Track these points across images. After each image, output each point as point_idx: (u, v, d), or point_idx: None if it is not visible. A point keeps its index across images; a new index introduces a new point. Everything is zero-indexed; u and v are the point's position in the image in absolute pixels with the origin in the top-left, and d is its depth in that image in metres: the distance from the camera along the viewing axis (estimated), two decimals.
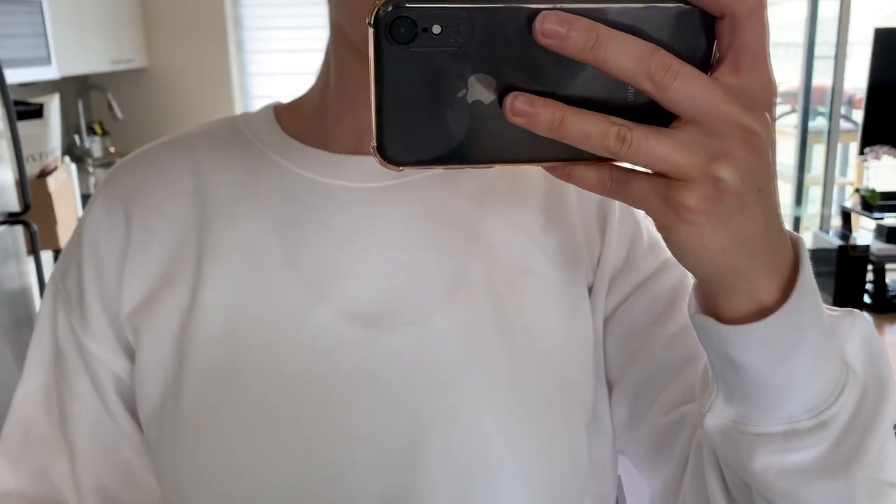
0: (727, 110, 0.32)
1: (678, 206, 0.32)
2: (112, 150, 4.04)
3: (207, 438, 0.50)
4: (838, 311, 0.42)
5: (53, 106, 2.30)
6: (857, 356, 0.41)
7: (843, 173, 4.95)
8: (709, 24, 0.32)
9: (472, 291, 0.51)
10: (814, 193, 4.84)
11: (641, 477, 0.54)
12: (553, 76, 0.31)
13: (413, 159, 0.33)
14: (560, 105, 0.31)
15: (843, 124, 4.68)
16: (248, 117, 0.59)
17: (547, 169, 0.34)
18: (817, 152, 4.80)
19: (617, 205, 0.55)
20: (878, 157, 3.96)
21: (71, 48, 3.13)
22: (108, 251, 0.55)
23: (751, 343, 0.37)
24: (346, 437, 0.48)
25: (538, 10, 0.30)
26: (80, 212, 2.68)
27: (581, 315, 0.53)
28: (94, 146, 3.88)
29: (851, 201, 4.24)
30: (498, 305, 0.50)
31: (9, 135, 1.84)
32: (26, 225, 1.89)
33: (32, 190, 1.99)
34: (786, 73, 4.77)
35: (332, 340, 0.49)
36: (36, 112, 2.24)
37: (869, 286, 4.13)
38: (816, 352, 0.38)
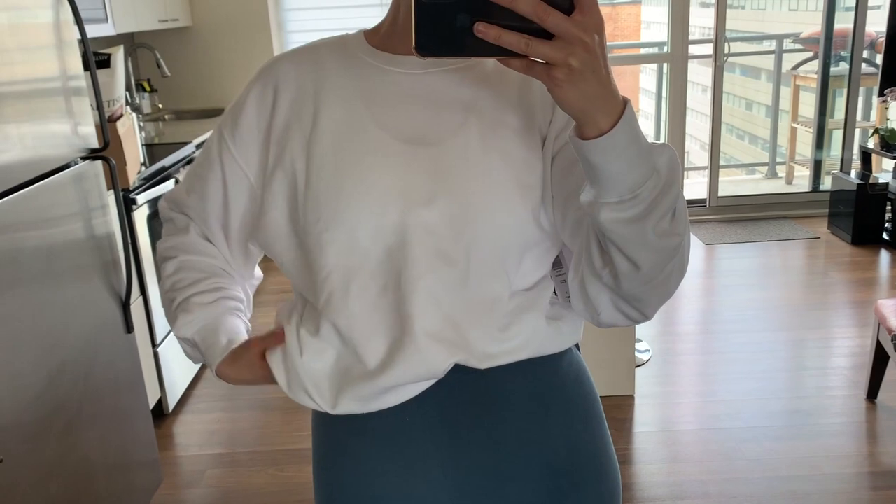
0: (574, 32, 0.61)
1: (553, 77, 0.63)
2: (160, 105, 4.26)
3: (325, 192, 0.87)
4: (657, 143, 0.72)
5: (119, 57, 2.51)
6: (663, 166, 0.71)
7: (867, 117, 5.03)
8: None
9: (469, 128, 0.87)
10: (837, 138, 4.93)
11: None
12: (498, 15, 0.62)
13: (431, 54, 0.64)
14: (500, 28, 0.62)
15: (867, 69, 4.75)
16: (348, 36, 0.97)
17: (498, 60, 0.65)
18: (840, 98, 4.88)
19: None
20: None
21: (124, 8, 3.33)
22: (261, 106, 0.94)
23: (594, 150, 0.67)
24: (403, 197, 0.86)
25: None
26: (142, 156, 2.91)
27: (534, 150, 0.88)
28: (144, 102, 4.10)
29: (872, 142, 4.33)
30: (485, 137, 0.87)
31: (89, 80, 2.06)
32: (106, 160, 2.11)
33: None
34: (809, 23, 4.82)
35: (391, 148, 0.87)
36: (105, 62, 2.45)
37: (888, 224, 4.25)
38: (633, 158, 0.68)
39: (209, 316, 0.98)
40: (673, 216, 0.72)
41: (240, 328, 0.99)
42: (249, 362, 0.94)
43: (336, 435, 0.96)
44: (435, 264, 0.85)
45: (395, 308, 0.87)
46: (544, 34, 0.62)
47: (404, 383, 0.88)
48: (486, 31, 0.62)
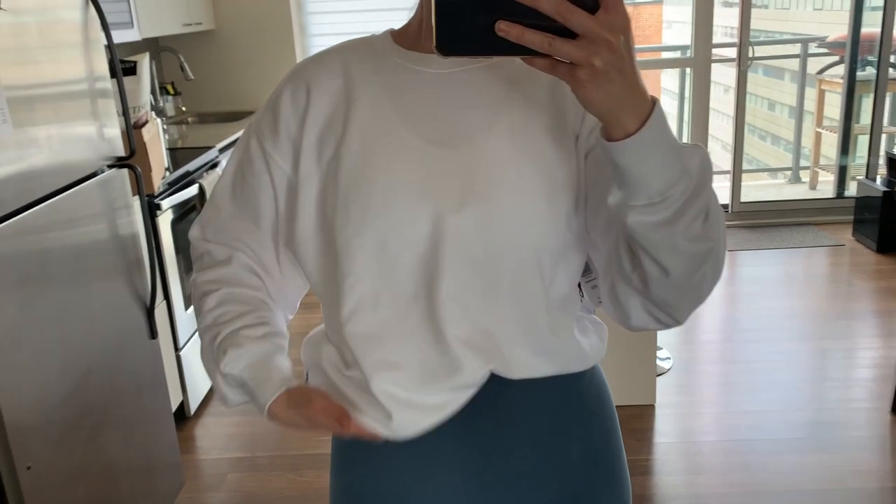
0: (599, 31, 0.60)
1: (576, 77, 0.62)
2: (184, 108, 4.29)
3: (354, 197, 0.86)
4: (688, 144, 0.70)
5: (144, 64, 2.53)
6: (694, 168, 0.69)
7: (893, 122, 4.96)
8: None
9: (499, 129, 0.86)
10: (862, 143, 4.87)
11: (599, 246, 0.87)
12: (521, 13, 0.60)
13: (453, 53, 0.63)
14: (522, 27, 0.61)
15: (893, 73, 4.69)
16: (374, 36, 0.95)
17: (523, 60, 0.64)
18: (866, 103, 4.82)
19: None
20: None
21: (149, 13, 3.36)
22: (295, 109, 0.92)
23: (621, 151, 0.66)
24: (433, 204, 0.84)
25: None
26: (166, 162, 2.93)
27: (566, 150, 0.86)
28: (168, 105, 4.13)
29: None
30: (515, 138, 0.85)
31: (116, 88, 2.08)
32: (132, 168, 2.13)
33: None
34: (839, 28, 4.75)
35: (420, 151, 0.86)
36: (131, 70, 2.47)
37: None
38: (662, 160, 0.67)
39: (260, 351, 0.91)
40: (705, 220, 0.71)
41: (288, 368, 0.93)
42: (307, 415, 0.88)
43: (357, 441, 0.95)
44: (466, 271, 0.84)
45: (426, 316, 0.86)
46: (568, 33, 0.61)
47: (444, 391, 0.88)
48: (507, 29, 0.61)
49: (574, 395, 0.95)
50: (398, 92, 0.89)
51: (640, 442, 2.63)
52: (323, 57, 0.95)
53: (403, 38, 0.93)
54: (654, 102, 0.66)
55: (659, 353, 3.18)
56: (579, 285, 0.93)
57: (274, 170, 0.93)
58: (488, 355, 0.87)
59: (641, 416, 2.76)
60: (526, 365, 0.89)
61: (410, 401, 0.88)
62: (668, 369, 3.10)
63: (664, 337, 3.38)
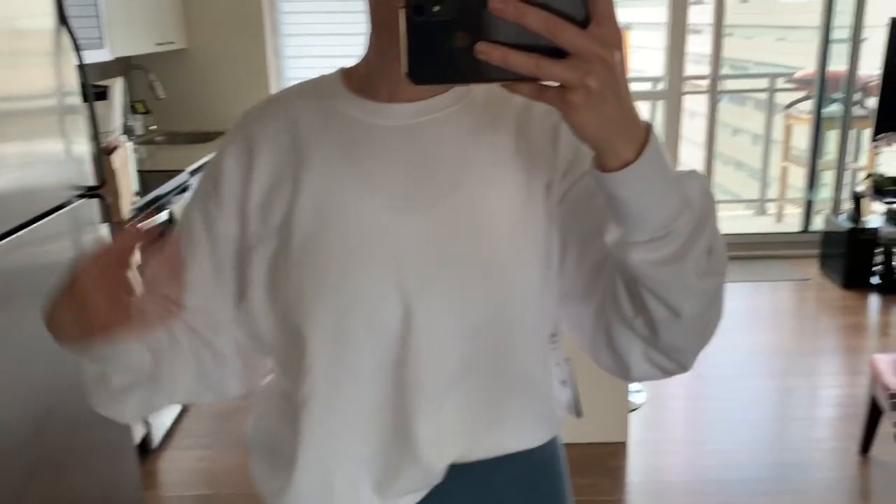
0: (592, 48, 0.54)
1: (568, 101, 0.55)
2: (154, 127, 4.21)
3: (309, 270, 0.78)
4: (685, 170, 0.65)
5: (117, 88, 2.48)
6: (695, 196, 0.63)
7: (857, 159, 5.06)
8: (582, 1, 0.54)
9: (464, 190, 0.78)
10: (827, 178, 4.96)
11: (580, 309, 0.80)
12: (503, 32, 0.54)
13: (426, 81, 0.56)
14: (505, 48, 0.54)
15: (858, 111, 4.79)
16: (324, 79, 0.86)
17: (502, 86, 0.56)
18: (831, 138, 4.91)
19: (564, 125, 0.82)
20: (889, 144, 4.08)
21: (120, 32, 3.29)
22: (238, 169, 0.83)
23: (619, 182, 0.60)
24: (398, 282, 0.76)
25: None
26: (135, 186, 2.86)
27: (535, 207, 0.78)
28: (137, 124, 4.05)
29: (863, 186, 4.36)
30: (482, 199, 0.77)
31: (87, 113, 2.01)
32: (101, 198, 2.06)
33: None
34: (802, 58, 4.84)
35: (380, 219, 0.77)
36: (101, 94, 2.42)
37: (877, 268, 4.27)
38: (662, 191, 0.61)
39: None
40: (710, 253, 0.65)
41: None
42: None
43: None
44: (437, 353, 0.77)
45: (390, 406, 0.80)
46: (556, 52, 0.54)
47: (399, 493, 0.83)
48: (489, 51, 0.53)
49: (530, 470, 0.89)
50: (352, 150, 0.80)
51: (613, 481, 2.61)
52: (268, 108, 0.86)
53: (354, 81, 0.83)
54: (648, 127, 0.60)
55: (631, 387, 3.17)
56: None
57: (222, 239, 0.84)
58: (453, 448, 0.82)
59: (615, 454, 2.75)
60: (487, 448, 0.83)
61: (357, 499, 0.83)
62: (642, 404, 3.09)
63: None
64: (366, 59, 0.82)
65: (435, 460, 0.81)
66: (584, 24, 0.54)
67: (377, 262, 0.76)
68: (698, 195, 0.64)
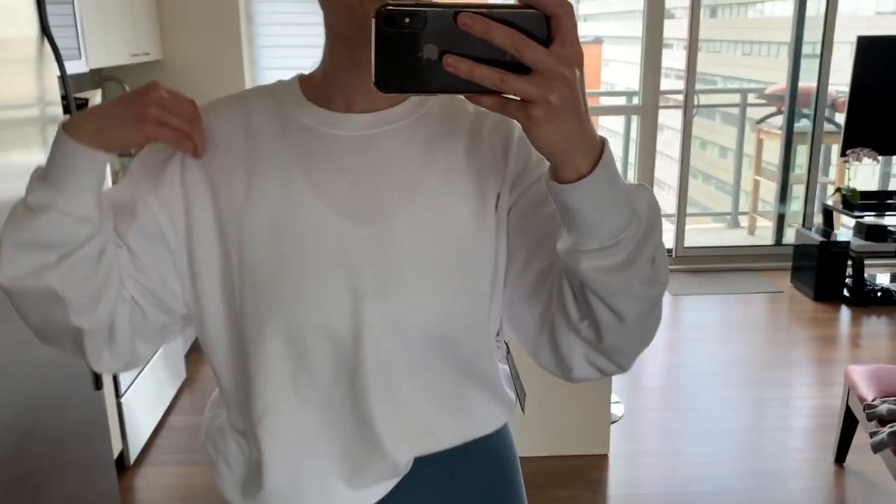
0: (554, 66, 0.57)
1: (530, 115, 0.58)
2: None
3: (263, 279, 0.79)
4: (634, 184, 0.68)
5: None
6: (643, 209, 0.67)
7: (826, 173, 5.16)
8: (546, 20, 0.57)
9: (417, 201, 0.80)
10: (798, 192, 5.05)
11: (524, 312, 0.83)
12: (469, 46, 0.56)
13: (393, 90, 0.58)
14: (472, 62, 0.56)
15: (826, 126, 4.89)
16: (282, 84, 0.86)
17: (466, 97, 0.59)
18: (801, 152, 5.01)
19: (515, 137, 0.83)
20: (858, 159, 4.17)
21: (96, 43, 3.26)
22: (187, 171, 0.81)
23: (574, 194, 0.63)
24: (350, 288, 0.78)
25: (459, 11, 0.56)
26: None
27: (486, 215, 0.81)
28: None
29: (833, 200, 4.44)
30: (434, 210, 0.80)
31: None
32: None
33: None
34: (769, 72, 4.92)
35: (334, 228, 0.79)
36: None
37: (848, 280, 4.35)
38: (613, 203, 0.64)
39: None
40: (653, 262, 0.69)
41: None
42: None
43: None
44: (389, 357, 0.80)
45: (351, 410, 0.82)
46: (520, 68, 0.57)
47: (366, 485, 0.86)
48: (456, 64, 0.56)
49: (483, 457, 0.93)
50: (307, 158, 0.81)
51: (595, 494, 2.62)
52: (221, 107, 0.85)
53: (311, 89, 0.84)
54: (603, 142, 0.64)
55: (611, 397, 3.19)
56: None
57: (162, 220, 0.82)
58: (415, 442, 0.85)
59: (597, 467, 2.76)
60: (447, 440, 0.87)
61: (329, 492, 0.85)
62: (621, 416, 3.11)
63: (614, 384, 3.40)
64: (322, 68, 0.84)
65: (400, 454, 0.84)
66: (546, 42, 0.57)
67: (331, 270, 0.78)
68: (646, 208, 0.67)
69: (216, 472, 0.92)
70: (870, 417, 2.43)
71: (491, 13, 0.56)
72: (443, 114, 0.85)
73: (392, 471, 0.85)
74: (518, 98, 0.58)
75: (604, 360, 0.77)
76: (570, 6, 0.57)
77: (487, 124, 0.84)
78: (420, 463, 0.86)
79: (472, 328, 0.82)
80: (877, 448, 2.32)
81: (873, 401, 2.47)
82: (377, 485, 0.86)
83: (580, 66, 0.58)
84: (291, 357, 0.80)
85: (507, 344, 0.95)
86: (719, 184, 8.72)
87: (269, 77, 4.23)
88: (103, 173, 0.77)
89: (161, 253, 0.82)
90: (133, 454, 2.78)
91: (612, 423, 3.03)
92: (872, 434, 2.39)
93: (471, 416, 0.87)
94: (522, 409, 0.96)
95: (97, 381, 2.14)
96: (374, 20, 0.57)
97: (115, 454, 2.64)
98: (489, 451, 0.93)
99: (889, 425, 2.34)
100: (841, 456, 2.77)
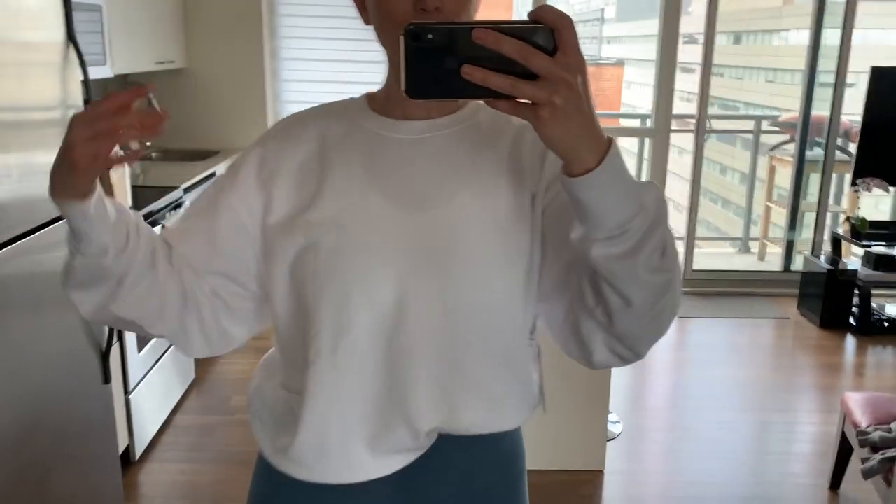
0: (557, 72, 0.65)
1: (538, 116, 0.66)
2: (148, 143, 4.27)
3: (324, 252, 0.90)
4: (643, 181, 0.75)
5: None
6: (650, 203, 0.73)
7: (837, 201, 5.17)
8: (551, 32, 0.66)
9: (464, 196, 0.91)
10: (809, 219, 5.06)
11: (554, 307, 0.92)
12: (485, 57, 0.65)
13: (422, 96, 0.68)
14: (486, 70, 0.65)
15: (840, 155, 4.90)
16: (353, 100, 1.01)
17: (485, 101, 0.68)
18: (814, 180, 5.02)
19: None
20: (868, 189, 4.18)
21: (122, 49, 3.36)
22: (255, 170, 0.96)
23: (582, 186, 0.70)
24: (388, 259, 0.90)
25: (475, 27, 0.65)
26: (129, 201, 2.91)
27: (524, 209, 0.91)
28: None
29: (843, 229, 4.45)
30: (479, 205, 0.90)
31: None
32: None
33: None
34: (784, 95, 4.93)
35: (389, 216, 0.91)
36: None
37: (855, 309, 4.35)
38: (619, 196, 0.71)
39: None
40: (663, 253, 0.75)
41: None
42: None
43: (277, 489, 0.99)
44: (427, 334, 0.90)
45: (383, 376, 0.91)
46: (529, 75, 0.65)
47: (389, 453, 0.94)
48: (472, 73, 0.65)
49: (496, 454, 1.02)
50: (369, 156, 0.94)
51: None
52: (297, 122, 1.01)
53: (375, 102, 0.99)
54: (610, 141, 0.71)
55: (609, 417, 3.22)
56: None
57: (220, 203, 0.96)
58: (441, 412, 0.93)
59: (591, 483, 2.79)
60: (473, 426, 0.95)
61: (350, 454, 0.93)
62: (618, 434, 3.14)
63: (614, 401, 3.43)
64: (385, 86, 0.98)
65: (423, 423, 0.92)
66: (551, 53, 0.65)
67: (379, 249, 0.90)
68: (653, 202, 0.74)
69: (255, 427, 1.03)
70: (862, 444, 2.45)
71: (502, 28, 0.65)
72: (490, 125, 0.97)
73: (413, 440, 0.94)
74: (528, 101, 0.66)
75: (620, 345, 0.85)
76: (570, 19, 0.66)
77: (529, 136, 0.94)
78: (438, 448, 0.96)
79: (509, 315, 0.92)
80: (867, 475, 2.34)
81: (867, 428, 2.49)
82: (397, 454, 0.95)
83: (582, 72, 0.66)
84: (338, 324, 0.90)
85: (539, 347, 1.03)
86: (738, 209, 8.70)
87: (289, 88, 4.33)
88: (95, 213, 0.82)
89: (245, 242, 0.96)
90: (139, 450, 2.84)
91: (610, 440, 3.06)
92: (864, 460, 2.41)
93: (497, 404, 0.96)
94: (544, 408, 1.04)
95: (106, 376, 2.21)
96: (402, 37, 0.66)
97: (122, 449, 2.71)
98: (504, 453, 1.02)
99: (881, 452, 2.36)
100: (836, 482, 2.78)
